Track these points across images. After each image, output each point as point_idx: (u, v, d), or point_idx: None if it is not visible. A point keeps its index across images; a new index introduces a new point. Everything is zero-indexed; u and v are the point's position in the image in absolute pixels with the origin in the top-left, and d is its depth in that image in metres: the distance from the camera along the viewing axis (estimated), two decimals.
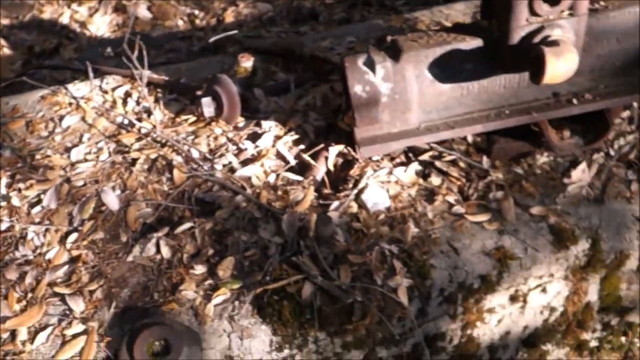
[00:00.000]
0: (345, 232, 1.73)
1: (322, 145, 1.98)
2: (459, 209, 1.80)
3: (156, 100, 2.26)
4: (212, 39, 2.74)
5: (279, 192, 1.85)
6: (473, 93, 1.86)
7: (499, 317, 1.80)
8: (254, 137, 2.05)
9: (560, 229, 1.78)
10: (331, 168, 1.96)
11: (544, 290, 1.81)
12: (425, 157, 1.93)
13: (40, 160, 2.06)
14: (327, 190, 1.89)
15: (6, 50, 3.57)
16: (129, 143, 2.09)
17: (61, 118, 2.24)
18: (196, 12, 3.74)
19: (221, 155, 1.99)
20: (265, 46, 2.64)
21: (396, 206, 1.81)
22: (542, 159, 1.94)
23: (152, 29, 3.64)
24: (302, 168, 1.97)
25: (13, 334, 1.60)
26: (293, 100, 2.21)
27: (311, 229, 1.70)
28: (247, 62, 2.31)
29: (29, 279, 1.71)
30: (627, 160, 1.94)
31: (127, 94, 2.33)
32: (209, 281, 1.65)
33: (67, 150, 2.10)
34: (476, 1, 2.59)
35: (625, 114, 2.03)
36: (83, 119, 2.23)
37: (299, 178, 1.91)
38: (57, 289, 1.67)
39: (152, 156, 2.02)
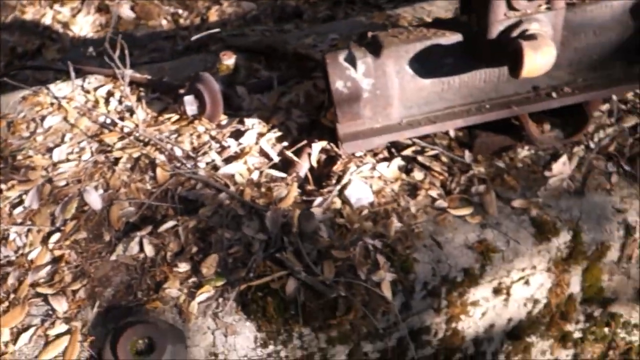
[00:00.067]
0: (329, 228, 1.73)
1: (305, 142, 1.99)
2: (441, 203, 1.82)
3: (139, 99, 2.25)
4: (194, 37, 2.74)
5: (263, 189, 1.85)
6: (454, 88, 1.87)
7: (483, 310, 1.81)
8: (237, 135, 2.05)
9: (542, 222, 1.79)
10: (314, 164, 1.96)
11: (526, 283, 1.82)
12: (407, 152, 1.94)
13: (22, 161, 2.05)
14: (310, 187, 1.90)
15: None
16: (112, 142, 2.08)
17: (43, 118, 2.23)
18: (180, 11, 3.73)
19: (204, 153, 1.99)
20: (248, 44, 2.64)
21: (379, 201, 1.81)
22: (523, 152, 1.96)
23: (136, 29, 3.63)
24: (286, 165, 1.97)
25: None
26: (276, 98, 2.21)
27: (295, 225, 1.71)
28: (229, 60, 2.31)
29: (11, 280, 1.70)
30: (607, 152, 1.96)
31: (110, 94, 2.32)
32: (193, 279, 1.65)
33: (49, 150, 2.09)
34: None
35: (605, 107, 2.05)
36: (65, 119, 2.21)
37: (283, 175, 1.91)
38: (39, 289, 1.67)
39: (135, 155, 2.01)
